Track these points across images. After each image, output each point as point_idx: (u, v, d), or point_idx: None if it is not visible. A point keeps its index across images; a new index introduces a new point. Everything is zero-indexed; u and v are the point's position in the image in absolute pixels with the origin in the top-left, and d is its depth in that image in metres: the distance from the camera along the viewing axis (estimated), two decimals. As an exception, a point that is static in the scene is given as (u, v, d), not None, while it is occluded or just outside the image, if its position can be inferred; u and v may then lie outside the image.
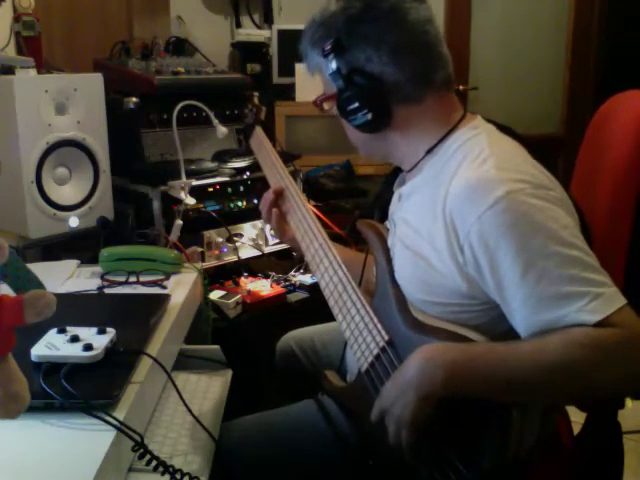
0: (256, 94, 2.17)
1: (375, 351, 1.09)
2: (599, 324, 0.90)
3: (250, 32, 3.02)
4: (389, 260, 1.14)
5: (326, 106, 1.17)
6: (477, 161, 1.00)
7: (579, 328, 0.90)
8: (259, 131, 1.56)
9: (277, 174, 1.42)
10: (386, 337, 1.07)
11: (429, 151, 1.10)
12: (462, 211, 0.97)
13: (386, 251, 1.15)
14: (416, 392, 0.96)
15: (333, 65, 1.09)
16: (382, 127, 1.11)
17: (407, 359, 0.99)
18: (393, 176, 1.24)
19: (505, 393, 0.94)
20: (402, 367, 1.00)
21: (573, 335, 0.90)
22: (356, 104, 1.09)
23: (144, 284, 1.45)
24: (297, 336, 1.58)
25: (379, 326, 1.09)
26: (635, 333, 0.91)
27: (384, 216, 1.25)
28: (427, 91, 1.09)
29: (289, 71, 2.86)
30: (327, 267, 1.22)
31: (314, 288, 1.92)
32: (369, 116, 1.09)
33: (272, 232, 1.42)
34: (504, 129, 1.11)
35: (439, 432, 0.98)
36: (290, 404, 1.32)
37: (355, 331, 1.13)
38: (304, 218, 1.32)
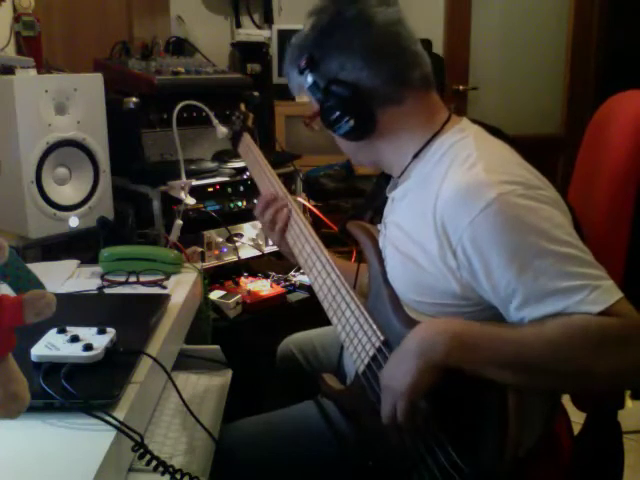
0: (256, 94, 2.16)
1: (371, 352, 1.09)
2: (600, 314, 0.90)
3: (250, 32, 3.02)
4: (381, 261, 1.14)
5: (315, 126, 1.18)
6: (466, 165, 1.00)
7: (580, 315, 0.91)
8: (247, 137, 1.56)
9: (266, 179, 1.42)
10: (381, 337, 1.07)
11: (416, 155, 1.10)
12: (453, 216, 0.97)
13: (378, 252, 1.15)
14: (416, 361, 0.95)
15: (309, 80, 1.11)
16: (367, 133, 1.12)
17: (410, 333, 0.99)
18: (385, 178, 1.24)
19: (505, 369, 0.93)
20: (404, 341, 1.00)
21: (574, 320, 0.91)
22: (337, 113, 1.10)
23: (144, 284, 1.45)
24: (297, 339, 1.58)
25: (374, 327, 1.09)
26: (635, 322, 0.91)
27: (378, 218, 1.24)
28: (405, 91, 1.09)
29: (289, 71, 2.86)
30: (320, 270, 1.22)
31: (314, 288, 1.92)
32: (352, 123, 1.10)
33: (268, 237, 1.41)
34: (492, 130, 1.11)
35: (438, 428, 0.99)
36: (290, 405, 1.32)
37: (350, 333, 1.13)
38: (295, 223, 1.31)
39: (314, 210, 1.90)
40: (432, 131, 1.09)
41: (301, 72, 1.11)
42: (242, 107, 1.75)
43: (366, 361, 1.10)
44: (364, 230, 1.21)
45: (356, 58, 1.07)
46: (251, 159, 1.51)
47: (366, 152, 1.17)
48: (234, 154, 2.02)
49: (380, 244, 1.17)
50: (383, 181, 1.24)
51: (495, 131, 1.11)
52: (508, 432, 0.93)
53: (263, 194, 1.39)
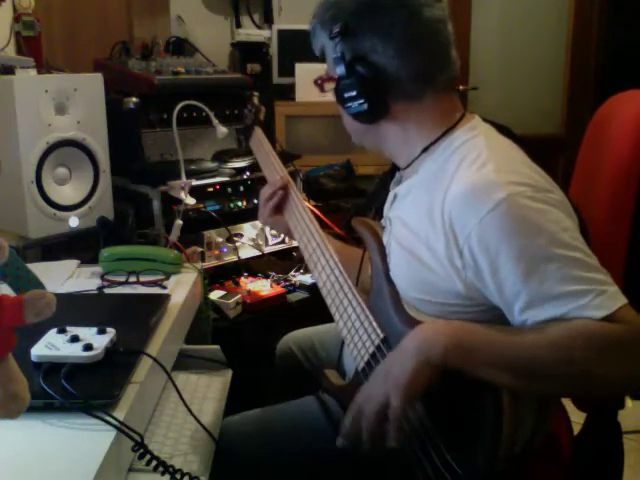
0: (256, 94, 2.17)
1: (371, 349, 1.09)
2: (603, 320, 0.90)
3: (250, 32, 3.02)
4: (384, 259, 1.14)
5: (327, 87, 1.16)
6: (476, 164, 1.00)
7: (583, 320, 0.90)
8: (258, 131, 1.56)
9: (276, 174, 1.43)
10: (381, 335, 1.07)
11: (425, 149, 1.09)
12: (461, 214, 0.97)
13: (381, 249, 1.15)
14: (414, 360, 0.94)
15: (338, 49, 1.08)
16: (377, 119, 1.10)
17: (410, 333, 0.98)
18: (390, 175, 1.24)
19: (504, 372, 0.92)
20: (403, 340, 0.99)
21: (576, 325, 0.90)
22: (353, 92, 1.08)
23: (144, 284, 1.45)
24: (296, 337, 1.58)
25: (374, 324, 1.09)
26: (638, 329, 0.91)
27: (380, 215, 1.24)
28: (427, 90, 1.08)
29: (289, 71, 2.86)
30: (324, 266, 1.22)
31: (314, 288, 1.91)
32: (364, 106, 1.08)
33: (262, 220, 1.44)
34: (502, 129, 1.11)
35: (432, 429, 0.98)
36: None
37: (352, 330, 1.13)
38: (302, 218, 1.33)
39: (314, 210, 1.90)
40: (444, 127, 1.09)
41: (331, 37, 1.09)
42: (255, 100, 1.74)
43: (366, 358, 1.10)
44: (368, 227, 1.20)
45: (390, 45, 1.05)
46: (262, 154, 1.51)
47: (372, 136, 1.15)
48: (234, 154, 2.03)
49: (384, 240, 1.16)
50: (388, 179, 1.24)
51: (505, 130, 1.10)
52: (502, 432, 0.92)
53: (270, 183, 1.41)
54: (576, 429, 1.25)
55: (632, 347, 0.90)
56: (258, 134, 1.55)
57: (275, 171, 1.44)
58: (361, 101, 1.08)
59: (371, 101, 1.08)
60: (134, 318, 1.23)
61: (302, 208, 1.34)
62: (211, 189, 1.94)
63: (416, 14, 1.06)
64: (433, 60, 1.08)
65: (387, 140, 1.14)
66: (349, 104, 1.09)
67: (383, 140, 1.15)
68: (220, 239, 1.92)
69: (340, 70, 1.09)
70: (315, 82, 1.19)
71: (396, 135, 1.12)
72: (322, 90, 1.17)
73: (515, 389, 0.93)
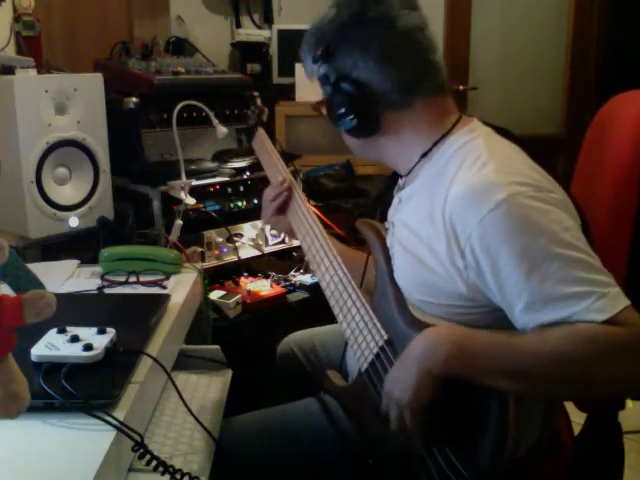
0: (256, 94, 2.17)
1: (375, 350, 1.09)
2: (605, 322, 0.90)
3: (250, 32, 3.03)
4: (388, 260, 1.14)
5: (324, 110, 1.18)
6: (476, 165, 1.00)
7: (585, 324, 0.90)
8: (261, 132, 1.57)
9: (279, 175, 1.43)
10: (385, 336, 1.07)
11: (424, 155, 1.10)
12: (462, 215, 0.97)
13: (385, 251, 1.15)
14: (417, 369, 0.96)
15: (321, 71, 1.12)
16: (370, 132, 1.12)
17: (411, 341, 0.99)
18: (393, 179, 1.24)
19: (506, 378, 0.93)
20: (406, 349, 1.00)
21: (578, 329, 0.90)
22: (342, 109, 1.10)
23: (144, 284, 1.45)
24: (297, 338, 1.58)
25: (378, 325, 1.09)
26: None
27: (385, 218, 1.25)
28: (415, 98, 1.09)
29: (289, 71, 2.87)
30: (328, 267, 1.23)
31: (314, 288, 1.92)
32: (355, 122, 1.10)
33: (265, 220, 1.46)
34: (501, 131, 1.11)
35: (437, 428, 0.98)
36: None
37: (355, 331, 1.13)
38: (305, 219, 1.33)
39: (314, 210, 1.90)
40: (441, 132, 1.09)
41: (315, 61, 1.12)
42: (258, 102, 1.76)
43: (369, 359, 1.10)
44: (372, 228, 1.21)
45: (370, 59, 1.07)
46: (265, 154, 1.53)
47: (370, 149, 1.17)
48: (234, 154, 2.03)
49: (388, 243, 1.17)
50: (391, 182, 1.24)
51: (504, 132, 1.11)
52: (507, 436, 0.92)
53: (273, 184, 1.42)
54: (576, 429, 1.25)
55: (635, 350, 0.90)
56: (261, 135, 1.57)
57: (278, 172, 1.45)
58: (351, 117, 1.10)
59: (360, 116, 1.10)
60: (134, 318, 1.23)
61: (305, 209, 1.35)
62: (211, 189, 1.94)
63: (391, 26, 1.08)
64: (415, 68, 1.09)
65: (385, 151, 1.15)
66: (340, 121, 1.12)
67: (382, 151, 1.16)
68: (220, 239, 1.92)
69: (327, 90, 1.12)
70: (313, 108, 1.22)
71: (393, 145, 1.13)
72: (320, 113, 1.20)
73: (517, 393, 0.93)
